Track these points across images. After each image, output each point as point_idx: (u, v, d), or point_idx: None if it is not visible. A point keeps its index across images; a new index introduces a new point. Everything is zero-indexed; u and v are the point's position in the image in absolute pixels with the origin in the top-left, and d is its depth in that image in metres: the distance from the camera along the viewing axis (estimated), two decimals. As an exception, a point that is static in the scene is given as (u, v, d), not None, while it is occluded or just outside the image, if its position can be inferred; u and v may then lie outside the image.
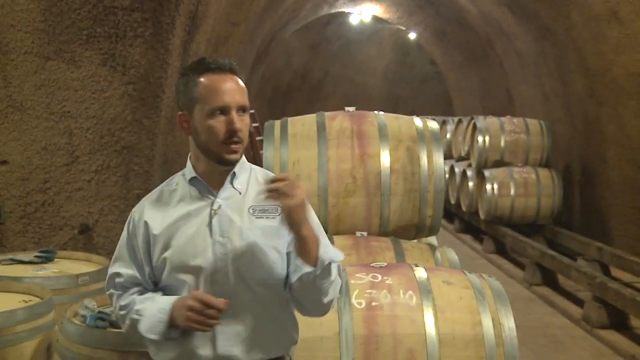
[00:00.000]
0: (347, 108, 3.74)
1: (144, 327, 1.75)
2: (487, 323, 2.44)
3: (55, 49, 4.13)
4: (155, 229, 1.80)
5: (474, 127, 9.43)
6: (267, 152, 3.48)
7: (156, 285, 1.85)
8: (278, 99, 17.27)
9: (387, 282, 2.53)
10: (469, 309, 2.48)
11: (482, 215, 9.08)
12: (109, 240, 4.41)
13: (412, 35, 16.67)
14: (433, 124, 3.61)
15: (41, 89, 4.18)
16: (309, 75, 18.56)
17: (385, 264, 2.69)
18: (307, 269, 1.73)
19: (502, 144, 9.00)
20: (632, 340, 5.27)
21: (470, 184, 9.50)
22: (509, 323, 2.48)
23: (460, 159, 10.49)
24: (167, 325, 1.73)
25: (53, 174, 4.28)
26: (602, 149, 8.10)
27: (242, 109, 1.79)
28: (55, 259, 3.53)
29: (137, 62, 4.28)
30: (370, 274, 2.57)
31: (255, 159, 9.13)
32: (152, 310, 1.75)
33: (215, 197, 1.83)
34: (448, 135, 11.30)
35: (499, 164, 8.97)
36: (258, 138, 9.77)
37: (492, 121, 9.19)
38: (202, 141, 1.79)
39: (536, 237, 8.41)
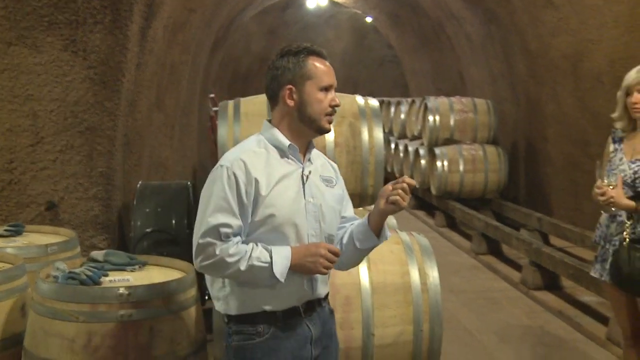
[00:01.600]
0: (295, 89, 4.03)
1: (278, 271, 1.99)
2: (414, 273, 2.80)
3: (17, 35, 4.31)
4: (262, 188, 2.02)
5: (426, 107, 9.81)
6: (222, 131, 3.74)
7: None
8: (238, 83, 17.43)
9: (327, 239, 2.86)
10: (398, 261, 2.84)
11: (433, 191, 9.49)
12: (74, 216, 4.64)
13: (369, 19, 16.98)
14: (373, 102, 3.93)
15: (4, 73, 4.36)
16: (268, 59, 18.50)
17: (326, 224, 3.01)
18: (374, 240, 2.13)
19: (452, 122, 9.40)
20: (561, 299, 5.75)
21: (423, 161, 9.90)
22: (433, 273, 2.85)
23: (413, 138, 10.88)
24: (288, 269, 2.02)
25: (18, 154, 4.48)
26: (543, 127, 8.57)
27: (335, 88, 2.16)
28: (24, 233, 3.75)
29: (98, 47, 4.49)
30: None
31: (215, 141, 9.35)
32: (277, 257, 2.00)
33: (303, 163, 2.15)
34: (402, 116, 11.67)
35: (449, 142, 9.37)
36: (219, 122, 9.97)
37: (442, 101, 9.58)
38: (308, 112, 2.09)
39: (484, 211, 8.85)
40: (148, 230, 4.45)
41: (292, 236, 2.07)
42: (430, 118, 9.48)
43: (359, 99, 3.91)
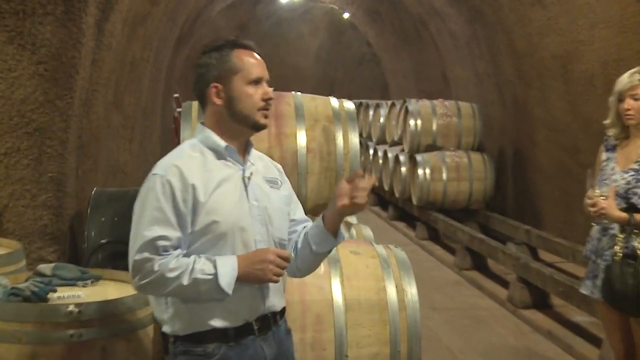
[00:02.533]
0: (265, 89, 4.04)
1: (225, 283, 1.98)
2: (391, 289, 2.81)
3: (-44, 26, 4.24)
4: (200, 194, 2.03)
5: (407, 110, 9.87)
6: (185, 133, 3.72)
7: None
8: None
9: (297, 252, 2.85)
10: (374, 276, 2.85)
11: (414, 201, 9.54)
12: (20, 225, 4.56)
13: (346, 15, 17.07)
14: (349, 104, 3.95)
15: (-59, 67, 4.29)
16: (237, 57, 18.70)
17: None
18: (332, 242, 2.16)
19: (434, 127, 9.48)
20: (550, 318, 5.81)
21: (403, 169, 9.95)
22: (411, 289, 2.86)
23: (393, 143, 10.94)
24: (235, 280, 2.01)
25: (-41, 158, 4.40)
26: (531, 132, 8.68)
27: (267, 81, 2.18)
28: (-36, 244, 3.69)
29: (48, 40, 4.43)
30: (282, 246, 2.90)
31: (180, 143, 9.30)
32: (222, 268, 1.99)
33: (243, 164, 2.16)
34: (382, 120, 11.73)
35: (431, 148, 9.44)
36: (182, 123, 9.91)
37: (424, 104, 9.65)
38: (239, 109, 2.12)
39: (469, 223, 8.91)
40: (103, 241, 4.40)
41: (238, 243, 2.08)
42: (412, 122, 9.54)
43: (334, 101, 3.93)
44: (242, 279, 2.03)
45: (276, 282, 2.07)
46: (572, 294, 5.20)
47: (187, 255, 2.05)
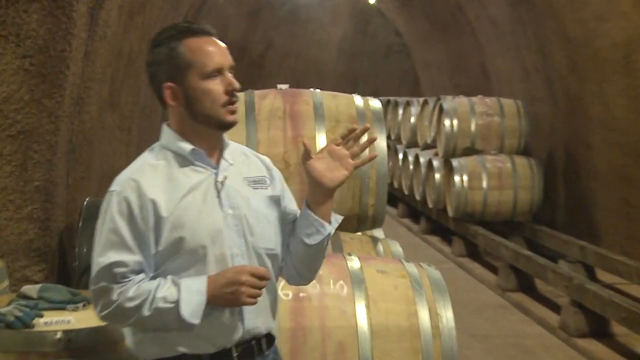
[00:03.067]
0: (279, 85, 4.07)
1: (187, 313, 1.98)
2: (423, 313, 2.81)
3: None
4: (162, 209, 2.03)
5: (441, 109, 9.86)
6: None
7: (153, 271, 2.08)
8: (211, 77, 17.46)
9: (316, 272, 2.86)
10: (404, 298, 2.84)
11: (450, 213, 9.52)
12: (2, 240, 4.61)
13: (373, 0, 17.10)
14: (375, 103, 3.97)
15: None
16: (247, 49, 18.80)
17: (316, 253, 3.02)
18: (327, 227, 2.16)
19: (473, 128, 9.46)
20: (610, 349, 5.75)
21: (437, 176, 9.94)
22: (447, 314, 2.85)
23: (426, 147, 10.94)
24: (204, 306, 2.01)
25: None
26: (587, 132, 8.62)
27: (232, 69, 2.15)
28: (-59, 262, 3.74)
29: (35, 31, 4.48)
30: (299, 264, 2.90)
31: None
32: (187, 294, 1.99)
33: (216, 168, 2.15)
34: (412, 120, 11.73)
35: (469, 152, 9.42)
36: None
37: (461, 102, 9.63)
38: (199, 108, 2.10)
39: (513, 237, 8.89)
40: (95, 259, 4.42)
41: (211, 261, 2.07)
42: (447, 122, 9.53)
43: (358, 100, 3.95)
44: (214, 304, 2.03)
45: (252, 304, 2.05)
46: (636, 320, 5.14)
47: (156, 278, 2.05)
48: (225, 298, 2.02)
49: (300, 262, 2.24)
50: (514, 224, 9.31)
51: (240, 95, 4.01)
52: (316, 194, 2.15)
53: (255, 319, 2.14)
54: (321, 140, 3.74)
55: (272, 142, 3.75)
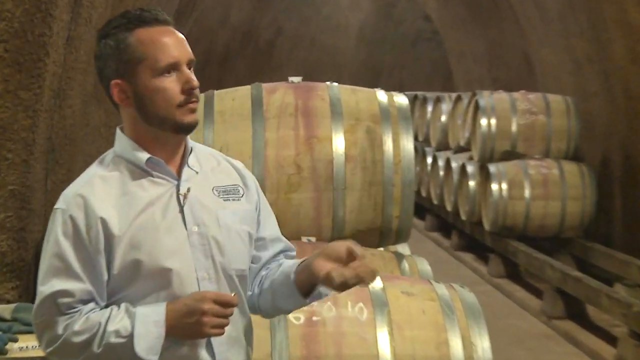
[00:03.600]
0: (290, 78, 4.10)
1: (142, 349, 1.97)
2: (456, 342, 2.81)
3: None
4: (114, 228, 2.03)
5: (477, 106, 9.85)
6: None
7: (108, 299, 2.08)
8: (211, 67, 17.56)
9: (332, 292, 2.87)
10: (433, 325, 2.85)
11: (486, 226, 9.50)
12: (-28, 253, 4.66)
13: (399, -21, 17.13)
14: (401, 99, 3.98)
15: None
16: (254, 35, 18.87)
17: (332, 271, 3.04)
18: (300, 302, 2.19)
19: (514, 128, 9.43)
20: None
21: (472, 183, 9.92)
22: (482, 343, 2.85)
23: (459, 149, 10.92)
24: (163, 340, 2.00)
25: None
26: (649, 135, 8.59)
27: (191, 63, 2.13)
28: None
29: (10, 12, 4.52)
30: (312, 284, 2.92)
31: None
32: (142, 327, 1.99)
33: (177, 179, 2.15)
34: (443, 118, 11.72)
35: (509, 156, 9.39)
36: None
37: (500, 98, 9.62)
38: (152, 109, 2.09)
39: (560, 255, 8.86)
40: (77, 275, 4.46)
41: (175, 286, 2.07)
42: (484, 122, 9.51)
43: (381, 95, 3.97)
44: (175, 336, 2.02)
45: (219, 335, 2.05)
46: None
47: (112, 303, 2.05)
48: (187, 329, 2.01)
49: (265, 305, 2.28)
50: (561, 241, 9.26)
51: (246, 89, 4.05)
52: (310, 276, 2.12)
53: (227, 351, 2.14)
54: (338, 142, 3.76)
55: (282, 143, 3.77)
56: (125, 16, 2.13)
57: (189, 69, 2.12)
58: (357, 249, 2.06)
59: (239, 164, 2.32)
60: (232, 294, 2.07)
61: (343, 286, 2.03)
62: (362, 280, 2.03)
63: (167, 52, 2.08)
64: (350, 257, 2.05)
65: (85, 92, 6.14)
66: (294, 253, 2.38)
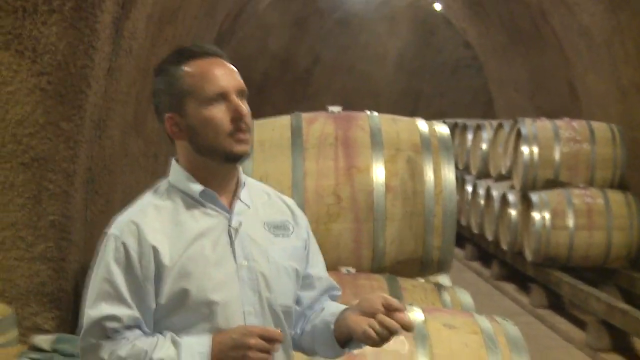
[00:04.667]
0: (330, 108, 4.13)
1: None
2: (499, 377, 2.79)
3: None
4: (165, 258, 2.07)
5: (519, 134, 9.81)
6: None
7: (154, 325, 2.11)
8: (249, 95, 17.65)
9: (372, 325, 2.87)
10: (476, 359, 2.83)
11: (528, 256, 9.41)
12: (10, 284, 4.71)
13: (438, 6, 17.17)
14: (442, 129, 4.00)
15: None
16: (292, 62, 19.00)
17: (372, 303, 3.04)
18: (338, 352, 2.20)
19: (557, 157, 9.36)
20: None
21: (513, 212, 9.85)
22: (526, 377, 2.83)
23: (500, 178, 10.87)
24: None
25: (-62, 196, 4.60)
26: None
27: (242, 93, 2.17)
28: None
29: (53, 45, 4.61)
30: (352, 316, 2.92)
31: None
32: (188, 357, 2.01)
33: (229, 212, 2.18)
34: (484, 146, 11.67)
35: (552, 184, 9.33)
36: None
37: (542, 126, 9.57)
38: (202, 140, 2.13)
39: (605, 287, 8.75)
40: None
41: (220, 319, 2.09)
42: (525, 150, 9.47)
43: (421, 124, 3.98)
44: None
45: None
46: None
47: (157, 331, 2.09)
48: None
49: (306, 346, 2.32)
50: (606, 271, 9.16)
51: (286, 118, 4.08)
52: (347, 329, 2.13)
53: None
54: (378, 172, 3.77)
55: (321, 173, 3.80)
56: (176, 51, 2.21)
57: (241, 98, 2.16)
58: (393, 301, 2.06)
59: (290, 201, 2.36)
60: (278, 330, 2.08)
61: (382, 343, 2.05)
62: (399, 333, 2.05)
63: (214, 82, 2.12)
64: (388, 308, 2.05)
65: (125, 123, 6.23)
66: (339, 293, 2.40)
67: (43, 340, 3.21)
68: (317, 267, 2.34)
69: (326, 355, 2.25)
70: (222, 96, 2.12)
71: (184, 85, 2.14)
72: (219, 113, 2.12)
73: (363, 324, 2.04)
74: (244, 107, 2.15)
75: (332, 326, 2.17)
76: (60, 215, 4.80)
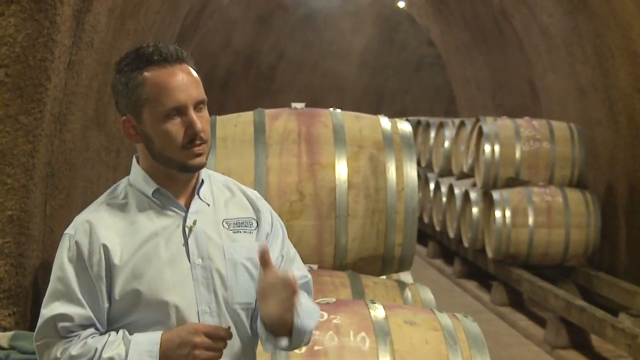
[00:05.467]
0: (294, 105, 4.12)
1: None
2: (459, 373, 2.80)
3: None
4: (116, 256, 2.08)
5: (480, 132, 9.88)
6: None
7: (109, 325, 2.11)
8: (213, 91, 17.61)
9: (334, 321, 2.89)
10: (436, 355, 2.85)
11: (489, 253, 9.50)
12: (-31, 280, 4.65)
13: (402, 4, 17.22)
14: (405, 126, 4.00)
15: None
16: (256, 59, 18.97)
17: (334, 300, 3.05)
18: (282, 342, 2.10)
19: (518, 155, 9.45)
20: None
21: (475, 210, 9.92)
22: (486, 374, 2.85)
23: (462, 176, 10.95)
24: None
25: None
26: (654, 163, 8.58)
27: (200, 104, 2.15)
28: None
29: (11, 37, 4.55)
30: (314, 313, 2.92)
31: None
32: (136, 355, 2.01)
33: (185, 211, 2.17)
34: (447, 144, 11.74)
35: (513, 182, 9.41)
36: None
37: (504, 124, 9.64)
38: (157, 149, 2.13)
39: (564, 284, 8.85)
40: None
41: (174, 319, 2.09)
42: (487, 148, 9.54)
43: (384, 122, 3.99)
44: None
45: None
46: None
47: (113, 330, 2.09)
48: None
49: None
50: (565, 269, 9.25)
51: (249, 114, 4.07)
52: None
53: None
54: (341, 169, 3.77)
55: (284, 170, 3.79)
56: (137, 52, 2.16)
57: (201, 108, 2.15)
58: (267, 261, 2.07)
59: (253, 194, 2.34)
60: (227, 328, 2.08)
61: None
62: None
63: (171, 96, 2.11)
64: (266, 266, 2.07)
65: (86, 117, 6.17)
66: (308, 279, 2.36)
67: (0, 337, 3.17)
68: (275, 251, 2.27)
69: (269, 349, 2.19)
70: (179, 110, 2.11)
71: (142, 93, 2.12)
72: (174, 126, 2.11)
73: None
74: (203, 118, 2.14)
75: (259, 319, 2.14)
76: (18, 210, 4.74)
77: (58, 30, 4.78)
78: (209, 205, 2.21)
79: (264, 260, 2.07)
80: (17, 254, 4.77)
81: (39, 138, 4.81)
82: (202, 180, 2.22)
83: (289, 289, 2.01)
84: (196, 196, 2.20)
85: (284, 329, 2.09)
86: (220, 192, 2.27)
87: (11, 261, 4.74)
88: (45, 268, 5.11)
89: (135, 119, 2.14)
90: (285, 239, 2.35)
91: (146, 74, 2.12)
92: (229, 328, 2.08)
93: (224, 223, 2.22)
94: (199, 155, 2.13)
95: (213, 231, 2.18)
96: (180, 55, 2.17)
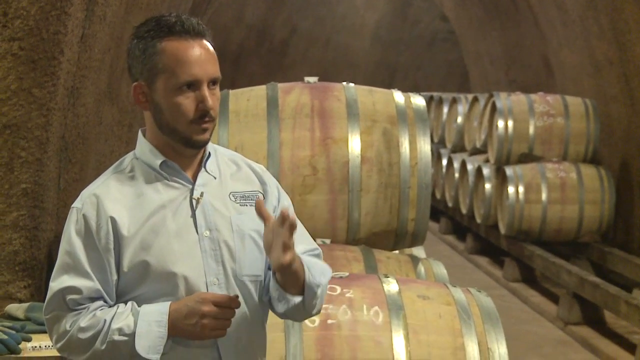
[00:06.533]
0: (307, 78, 4.11)
1: (142, 348, 2.01)
2: (472, 348, 2.81)
3: None
4: (124, 228, 2.08)
5: (494, 107, 9.84)
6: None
7: (118, 298, 2.12)
8: (225, 66, 17.51)
9: (347, 295, 2.90)
10: (449, 329, 2.85)
11: (502, 230, 9.50)
12: (-16, 252, 4.68)
13: (415, -22, 17.11)
14: (418, 100, 3.99)
15: None
16: (268, 34, 18.90)
17: (347, 274, 3.06)
18: (295, 299, 2.11)
19: (531, 131, 9.42)
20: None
21: (488, 186, 9.91)
22: (499, 349, 2.86)
23: (475, 151, 10.94)
24: (166, 340, 2.04)
25: None
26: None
27: (213, 82, 2.15)
28: None
29: (24, 10, 4.55)
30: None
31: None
32: (145, 326, 2.02)
33: (192, 183, 2.17)
34: (459, 119, 11.72)
35: (526, 158, 9.39)
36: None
37: (517, 100, 9.60)
38: (165, 120, 2.13)
39: (577, 260, 8.84)
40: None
41: (183, 290, 2.10)
42: (500, 123, 9.51)
43: (398, 96, 3.97)
44: (178, 336, 2.05)
45: (220, 336, 2.07)
46: None
47: (122, 302, 2.09)
48: (187, 330, 2.04)
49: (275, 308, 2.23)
50: (578, 245, 9.24)
51: (261, 89, 4.06)
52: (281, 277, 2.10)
53: (235, 357, 2.14)
54: (354, 143, 3.77)
55: (297, 144, 3.79)
56: (159, 20, 2.15)
57: (214, 85, 2.14)
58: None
59: (259, 168, 2.33)
60: (235, 296, 2.08)
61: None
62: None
63: (186, 70, 2.10)
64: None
65: (99, 91, 6.18)
66: (318, 251, 2.33)
67: (16, 308, 3.20)
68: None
69: (291, 314, 2.18)
70: (192, 84, 2.11)
71: (159, 62, 2.11)
72: (186, 100, 2.10)
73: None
74: (215, 96, 2.14)
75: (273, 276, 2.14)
76: (32, 184, 4.76)
77: (71, 3, 4.78)
78: (215, 178, 2.21)
79: (260, 211, 2.06)
80: (32, 227, 4.80)
81: (52, 111, 4.83)
82: (209, 153, 2.22)
83: (287, 225, 1.98)
84: (203, 169, 2.20)
85: (297, 285, 2.09)
86: (226, 165, 2.27)
87: (26, 234, 4.78)
88: (59, 241, 5.13)
89: (148, 86, 2.14)
90: (293, 214, 2.34)
91: (165, 43, 2.11)
92: (237, 297, 2.09)
93: (230, 196, 2.21)
94: (205, 130, 2.13)
95: (220, 203, 2.18)
96: (201, 30, 2.16)
